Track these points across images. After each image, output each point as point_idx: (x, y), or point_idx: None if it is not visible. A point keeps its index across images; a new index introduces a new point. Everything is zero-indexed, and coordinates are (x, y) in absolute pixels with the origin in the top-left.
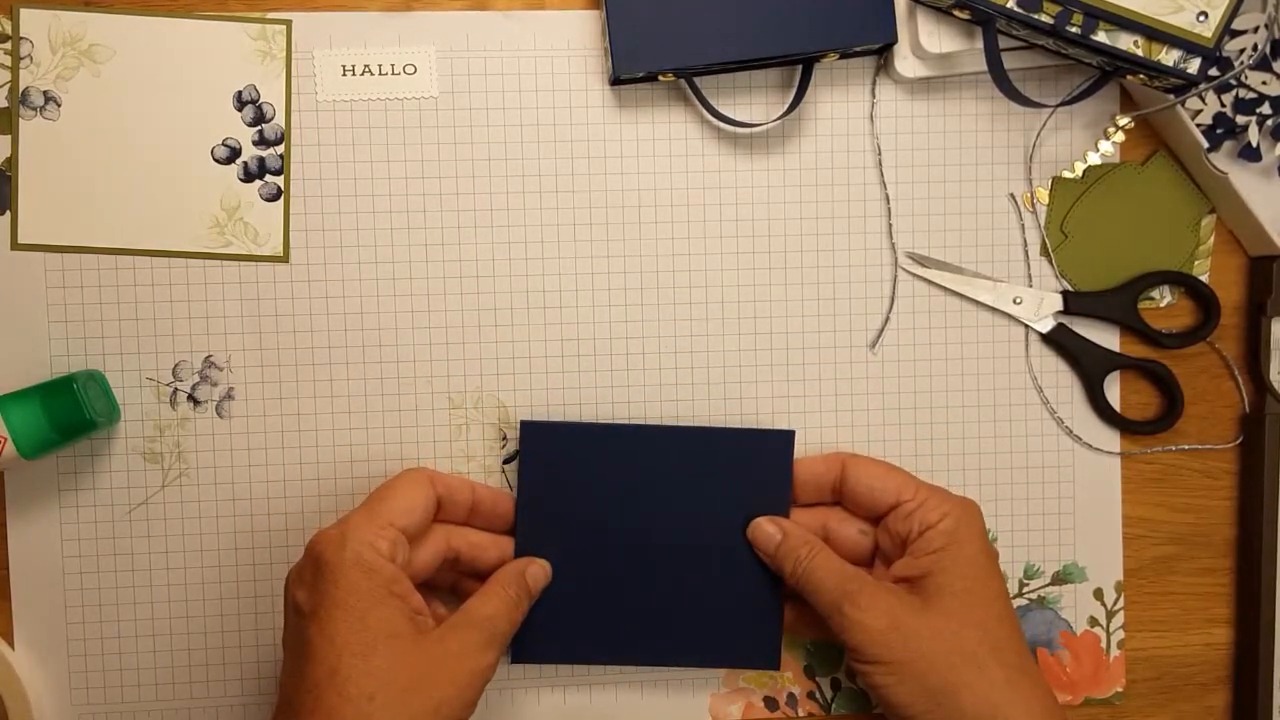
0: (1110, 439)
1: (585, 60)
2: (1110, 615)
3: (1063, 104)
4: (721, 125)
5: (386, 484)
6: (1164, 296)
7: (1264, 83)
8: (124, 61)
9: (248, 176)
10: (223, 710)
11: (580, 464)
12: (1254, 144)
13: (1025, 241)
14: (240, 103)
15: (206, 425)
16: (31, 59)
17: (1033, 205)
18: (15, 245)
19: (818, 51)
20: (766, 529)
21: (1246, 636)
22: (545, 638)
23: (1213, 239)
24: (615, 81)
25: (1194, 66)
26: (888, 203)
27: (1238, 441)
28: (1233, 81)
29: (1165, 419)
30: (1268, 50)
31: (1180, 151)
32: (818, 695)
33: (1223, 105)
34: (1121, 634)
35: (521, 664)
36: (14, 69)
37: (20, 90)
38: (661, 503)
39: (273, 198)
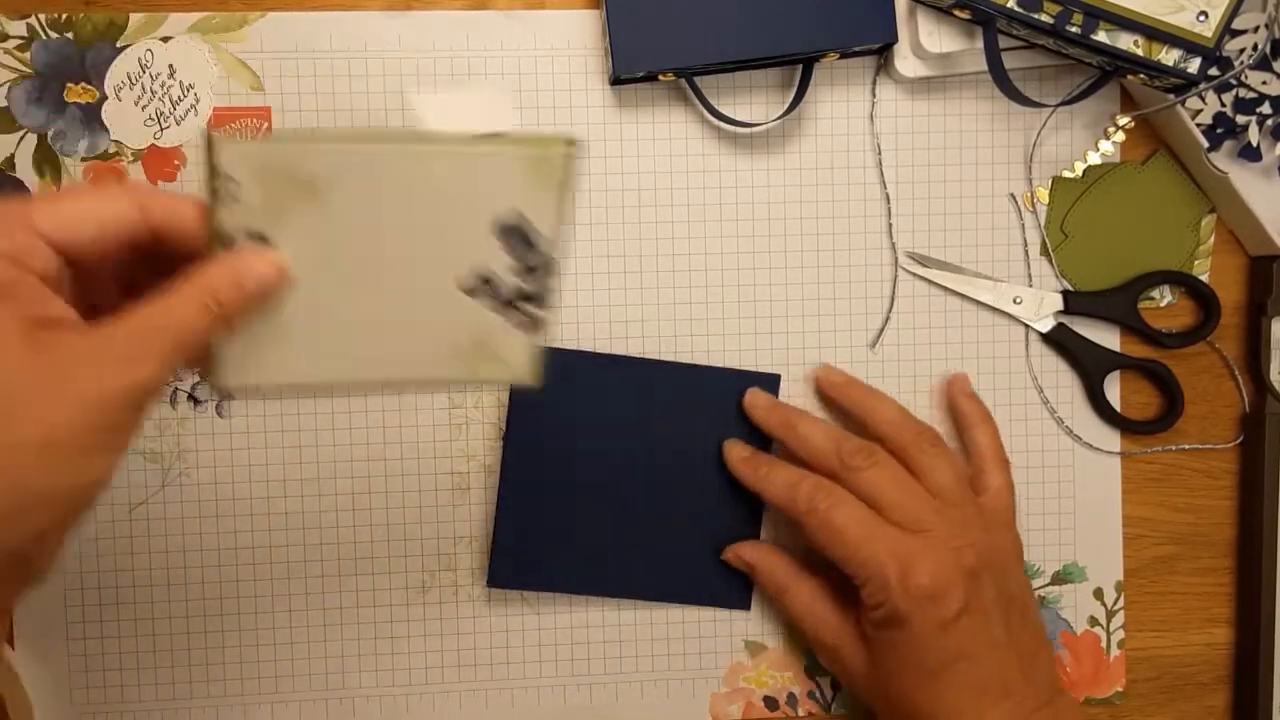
0: (1110, 439)
1: (585, 60)
2: (1110, 615)
3: (1063, 104)
4: (721, 125)
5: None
6: (1164, 296)
7: (1264, 82)
8: (353, 194)
9: (502, 305)
10: (223, 710)
11: (567, 393)
12: (1254, 144)
13: (1025, 241)
14: (500, 229)
15: (206, 425)
16: (236, 197)
17: (1033, 205)
18: (219, 382)
19: (818, 51)
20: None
21: (1247, 636)
22: (523, 564)
23: (1213, 239)
24: (615, 81)
25: (1194, 66)
26: (888, 203)
27: (1238, 441)
28: (1233, 81)
29: (1165, 419)
30: (1268, 50)
31: (1180, 151)
32: (818, 695)
33: (1223, 105)
34: (1121, 634)
35: (497, 588)
36: (214, 210)
37: (224, 232)
38: (646, 436)
39: (523, 325)
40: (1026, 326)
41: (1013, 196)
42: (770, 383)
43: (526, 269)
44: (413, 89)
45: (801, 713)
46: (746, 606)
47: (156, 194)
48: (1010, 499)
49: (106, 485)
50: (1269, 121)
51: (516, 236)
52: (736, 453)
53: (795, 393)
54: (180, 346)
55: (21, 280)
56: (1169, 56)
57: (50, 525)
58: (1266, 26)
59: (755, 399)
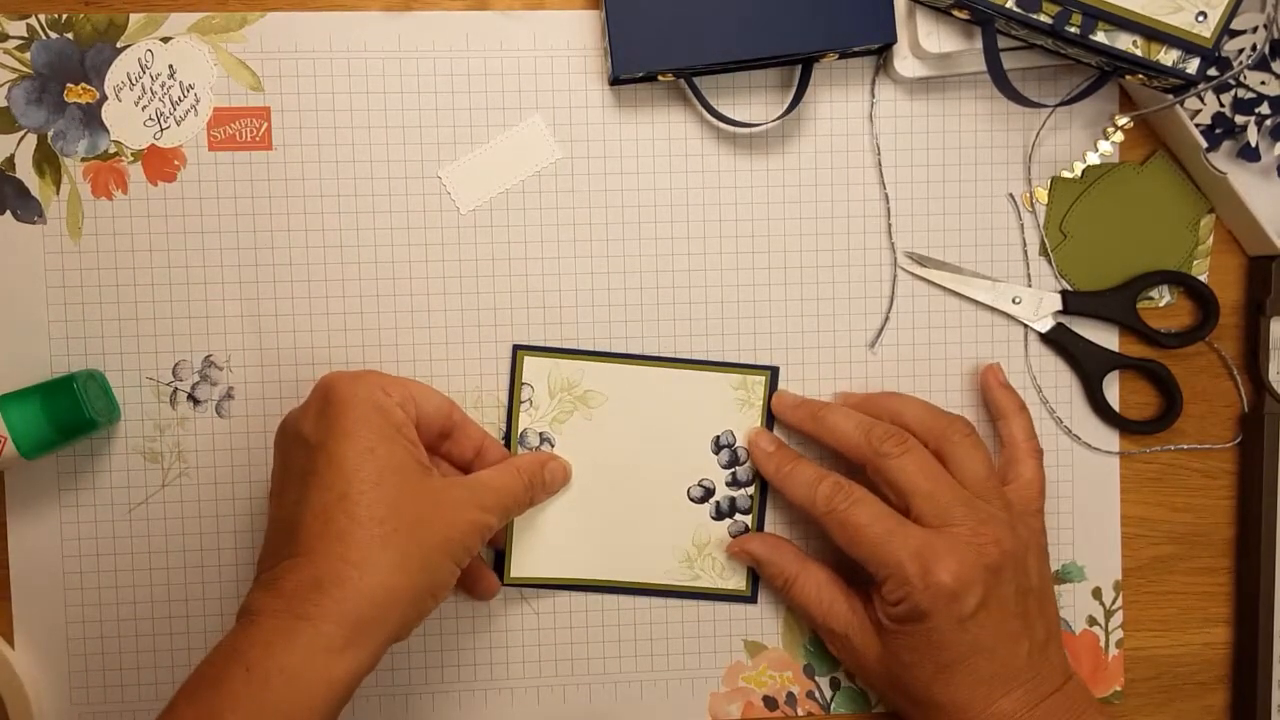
0: (1109, 438)
1: (585, 60)
2: (1109, 615)
3: (1062, 104)
4: (721, 125)
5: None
6: (1163, 296)
7: (1263, 83)
8: (615, 406)
9: (719, 515)
10: None
11: None
12: (1253, 144)
13: (1024, 241)
14: (718, 446)
15: (206, 425)
16: (531, 403)
17: (1032, 205)
18: (508, 580)
19: (817, 51)
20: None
21: (1245, 636)
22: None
23: (1211, 239)
24: (615, 81)
25: (1193, 66)
26: (887, 202)
27: (1237, 441)
28: (1231, 81)
29: (1164, 419)
30: (1266, 50)
31: (1179, 151)
32: (817, 695)
33: (1221, 105)
34: (1120, 633)
35: (514, 585)
36: (515, 412)
37: (520, 431)
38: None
39: (740, 534)
40: (1025, 326)
41: (1012, 196)
42: (768, 374)
43: (736, 482)
44: (434, 158)
45: (800, 713)
46: (753, 600)
47: (461, 412)
48: (1039, 490)
49: (450, 591)
50: (1267, 122)
51: (729, 452)
52: (762, 444)
53: (794, 391)
54: (507, 508)
55: (408, 424)
56: (1168, 57)
57: (430, 611)
58: (1265, 27)
59: (782, 398)
